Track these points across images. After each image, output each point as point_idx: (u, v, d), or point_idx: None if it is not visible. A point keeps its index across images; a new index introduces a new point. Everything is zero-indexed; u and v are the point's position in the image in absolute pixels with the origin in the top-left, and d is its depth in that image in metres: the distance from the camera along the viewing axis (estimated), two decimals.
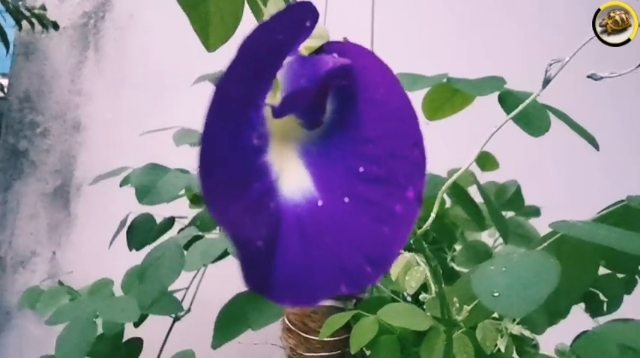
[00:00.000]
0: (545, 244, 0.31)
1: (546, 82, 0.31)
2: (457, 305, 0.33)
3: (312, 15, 0.19)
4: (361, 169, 0.19)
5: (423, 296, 0.33)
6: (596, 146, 0.42)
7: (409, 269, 0.32)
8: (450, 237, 0.83)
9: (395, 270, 0.31)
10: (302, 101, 0.20)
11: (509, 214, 0.87)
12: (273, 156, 0.19)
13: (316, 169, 0.20)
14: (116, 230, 0.79)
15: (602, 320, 0.59)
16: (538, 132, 0.39)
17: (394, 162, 0.19)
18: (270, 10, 0.22)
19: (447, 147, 0.99)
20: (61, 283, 0.78)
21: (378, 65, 0.20)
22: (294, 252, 0.18)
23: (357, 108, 0.20)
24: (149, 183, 0.70)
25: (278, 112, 0.20)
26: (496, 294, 0.27)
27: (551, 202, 0.89)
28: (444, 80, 0.48)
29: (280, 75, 0.20)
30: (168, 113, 1.12)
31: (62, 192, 1.38)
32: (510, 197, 0.79)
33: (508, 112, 0.37)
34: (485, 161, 0.89)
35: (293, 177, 0.20)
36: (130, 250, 0.77)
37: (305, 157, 0.20)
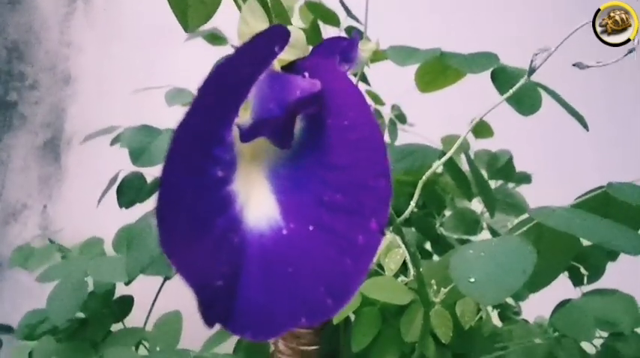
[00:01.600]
0: (525, 229, 0.32)
1: (531, 71, 0.31)
2: (435, 287, 0.34)
3: (282, 39, 0.19)
4: (326, 197, 0.19)
5: (401, 279, 0.33)
6: (585, 126, 0.42)
7: (389, 251, 0.32)
8: (439, 203, 0.83)
9: None
10: (269, 127, 0.19)
11: (499, 182, 0.87)
12: (239, 183, 0.19)
13: (283, 195, 0.20)
14: (105, 187, 0.79)
15: (587, 288, 0.61)
16: (529, 111, 0.39)
17: (359, 192, 0.18)
18: (245, 15, 0.22)
19: (438, 113, 0.98)
20: (51, 241, 0.78)
21: (350, 89, 0.19)
22: (256, 284, 0.18)
23: (325, 133, 0.19)
24: (142, 144, 0.70)
25: (245, 137, 0.19)
26: (472, 280, 0.27)
27: (543, 171, 0.90)
28: (438, 55, 0.47)
29: (251, 93, 0.19)
30: (160, 69, 1.10)
31: (52, 146, 1.37)
32: (502, 166, 0.80)
33: (500, 90, 0.37)
34: (480, 128, 0.88)
35: (259, 204, 0.19)
36: (120, 208, 0.78)
37: (273, 180, 0.20)
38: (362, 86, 0.89)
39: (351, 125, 0.19)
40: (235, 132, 0.19)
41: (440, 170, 0.83)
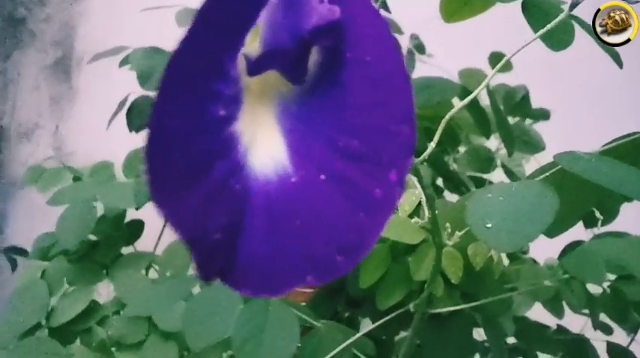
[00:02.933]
0: (548, 174, 0.30)
1: (574, 5, 0.29)
2: (449, 230, 0.33)
3: None
4: (341, 142, 0.17)
5: (415, 220, 0.32)
6: (619, 63, 0.39)
7: (404, 191, 0.31)
8: (454, 140, 0.82)
9: None
10: (280, 60, 0.17)
11: (516, 119, 0.85)
12: (244, 122, 0.17)
13: (293, 138, 0.17)
14: (114, 110, 0.78)
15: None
16: (561, 46, 0.36)
17: (378, 138, 0.16)
18: None
19: (458, 44, 0.94)
20: (63, 164, 0.78)
21: (373, 19, 0.17)
22: (259, 237, 0.16)
23: (344, 68, 0.17)
24: (150, 67, 0.68)
25: (252, 70, 0.17)
26: (488, 225, 0.26)
27: (563, 109, 0.87)
28: None
29: (261, 18, 0.17)
30: None
31: (63, 65, 1.35)
32: (518, 102, 0.77)
33: (533, 25, 0.34)
34: (498, 61, 0.85)
35: (266, 147, 0.17)
36: (130, 132, 0.77)
37: (283, 121, 0.18)
38: (382, 14, 0.85)
39: (374, 60, 0.17)
40: (241, 64, 0.17)
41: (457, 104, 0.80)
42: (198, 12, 0.15)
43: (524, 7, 0.36)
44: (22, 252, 0.81)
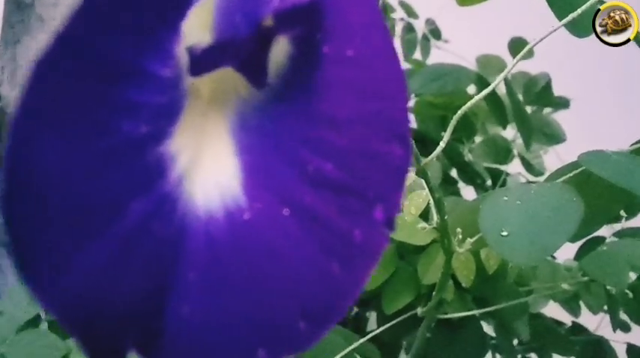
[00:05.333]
0: (571, 175, 0.27)
1: None
2: (460, 236, 0.30)
3: None
4: (312, 166, 0.12)
5: (421, 225, 0.30)
6: None
7: (411, 192, 0.29)
8: (469, 129, 0.78)
9: None
10: (234, 55, 0.13)
11: (534, 108, 0.81)
12: (183, 138, 0.12)
13: (251, 159, 0.13)
14: None
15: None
16: (587, 32, 0.33)
17: (361, 162, 0.12)
18: None
19: (475, 30, 0.90)
20: None
21: (360, 0, 0.12)
22: (193, 297, 0.12)
23: (319, 68, 0.13)
24: None
25: (195, 68, 0.12)
26: (505, 233, 0.23)
27: (585, 97, 0.83)
28: None
29: None
30: None
31: None
32: (539, 91, 0.73)
33: (557, 12, 0.31)
34: (518, 48, 0.81)
35: (213, 171, 0.13)
36: None
37: (239, 135, 0.13)
38: None
39: (359, 57, 0.12)
40: (182, 59, 0.12)
41: (472, 91, 0.77)
42: None
43: None
44: None
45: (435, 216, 0.29)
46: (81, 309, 0.11)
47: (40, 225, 0.11)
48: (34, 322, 0.56)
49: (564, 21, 0.29)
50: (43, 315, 0.58)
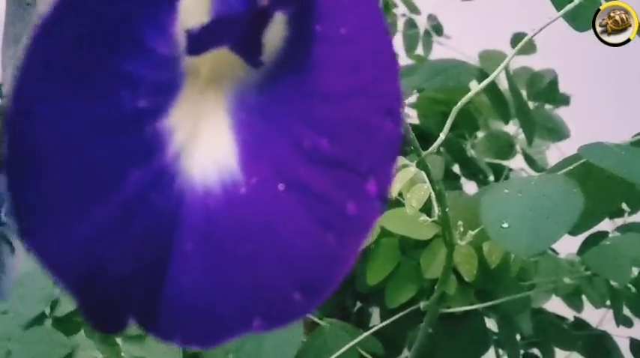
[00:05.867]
0: (572, 167, 0.27)
1: None
2: (461, 229, 0.30)
3: None
4: (307, 142, 0.13)
5: (423, 219, 0.30)
6: None
7: (413, 185, 0.29)
8: (471, 124, 0.78)
9: (396, 185, 0.28)
10: (230, 33, 0.13)
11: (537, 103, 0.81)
12: (180, 115, 0.13)
13: (247, 135, 0.13)
14: None
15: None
16: (586, 26, 0.33)
17: (354, 136, 0.13)
18: None
19: (477, 25, 0.90)
20: None
21: None
22: (191, 268, 0.12)
23: (312, 45, 0.13)
24: None
25: (192, 47, 0.13)
26: (505, 225, 0.23)
27: (585, 94, 0.83)
28: None
29: None
30: None
31: None
32: (544, 87, 0.73)
33: (556, 2, 0.31)
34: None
35: (210, 147, 0.13)
36: None
37: (236, 113, 0.14)
38: None
39: (350, 34, 0.13)
40: (181, 39, 0.13)
41: (474, 87, 0.77)
42: None
43: None
44: None
45: (436, 209, 0.29)
46: (82, 274, 0.12)
47: (41, 190, 0.11)
48: (40, 319, 0.57)
49: (562, 11, 0.29)
50: (48, 313, 0.58)
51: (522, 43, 0.30)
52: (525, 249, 0.23)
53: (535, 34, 0.30)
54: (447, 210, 0.28)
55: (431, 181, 0.27)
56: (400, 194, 0.33)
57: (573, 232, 0.32)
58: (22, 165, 0.11)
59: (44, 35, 0.10)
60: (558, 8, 0.30)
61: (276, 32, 0.14)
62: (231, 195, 0.13)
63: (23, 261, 0.70)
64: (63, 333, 0.55)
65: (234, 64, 0.14)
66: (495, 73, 0.29)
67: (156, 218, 0.12)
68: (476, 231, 0.29)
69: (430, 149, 0.26)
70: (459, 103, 0.27)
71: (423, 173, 0.27)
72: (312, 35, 0.13)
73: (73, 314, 0.58)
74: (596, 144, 0.26)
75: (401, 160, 0.29)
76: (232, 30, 0.13)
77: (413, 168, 0.27)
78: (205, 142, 0.13)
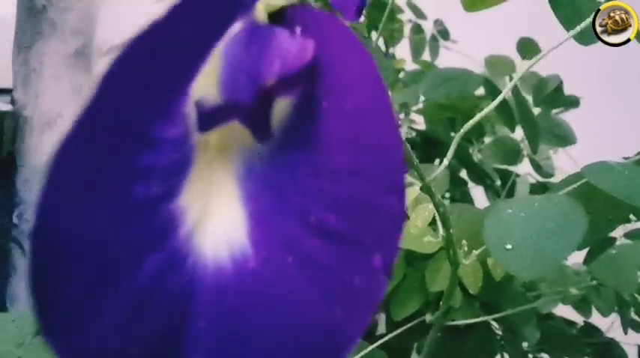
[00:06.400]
0: (576, 185, 0.28)
1: None
2: (465, 248, 0.30)
3: None
4: (315, 216, 0.13)
5: (427, 239, 0.30)
6: None
7: (418, 205, 0.29)
8: (479, 130, 0.78)
9: None
10: (237, 115, 0.13)
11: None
12: (193, 191, 0.13)
13: (256, 207, 0.14)
14: None
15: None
16: (592, 40, 0.33)
17: (360, 212, 0.13)
18: None
19: (484, 30, 0.90)
20: None
21: (358, 56, 0.13)
22: (204, 345, 0.13)
23: (319, 121, 0.13)
24: None
25: (202, 127, 0.13)
26: (509, 246, 0.24)
27: (592, 97, 0.83)
28: None
29: (220, 51, 0.13)
30: None
31: (84, 54, 1.35)
32: (550, 93, 0.73)
33: (565, 21, 0.31)
34: (527, 48, 0.81)
35: (221, 221, 0.13)
36: None
37: (245, 184, 0.14)
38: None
39: (355, 111, 0.13)
40: (191, 115, 0.13)
41: (480, 92, 0.77)
42: (117, 62, 0.11)
43: (555, 4, 0.33)
44: None
45: (440, 230, 0.29)
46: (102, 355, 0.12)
47: (64, 291, 0.11)
48: None
49: (572, 32, 0.29)
50: None
51: (534, 62, 0.30)
52: (528, 271, 0.23)
53: (543, 56, 0.30)
54: (450, 231, 0.28)
55: (435, 205, 0.27)
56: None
57: (579, 247, 0.32)
58: (45, 273, 0.11)
59: (67, 147, 0.11)
60: (568, 29, 0.30)
61: (285, 104, 0.14)
62: (241, 270, 0.13)
63: None
64: None
65: (243, 134, 0.14)
66: (500, 96, 0.29)
67: (170, 300, 0.13)
68: (480, 250, 0.30)
69: (433, 175, 0.26)
70: (466, 125, 0.27)
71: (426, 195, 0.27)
72: (319, 110, 0.13)
73: None
74: (598, 164, 0.26)
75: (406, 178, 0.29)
76: (238, 112, 0.13)
77: (417, 187, 0.27)
78: (216, 216, 0.14)
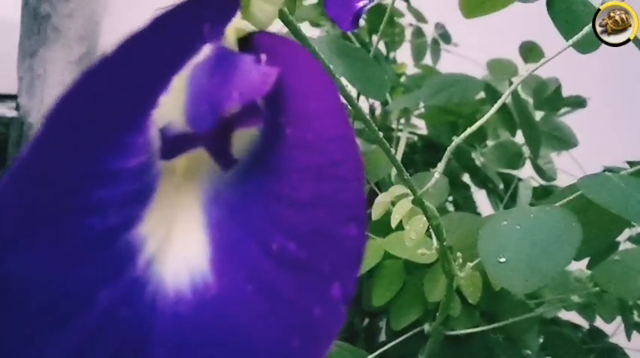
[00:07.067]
0: (572, 197, 0.27)
1: None
2: (460, 260, 0.30)
3: (218, 11, 0.13)
4: (276, 244, 0.13)
5: (421, 251, 0.30)
6: None
7: (412, 216, 0.29)
8: (480, 133, 0.78)
9: (395, 216, 0.28)
10: (197, 143, 0.13)
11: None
12: (154, 218, 0.13)
13: (220, 234, 0.13)
14: None
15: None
16: (591, 49, 0.33)
17: (320, 242, 0.13)
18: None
19: (486, 34, 0.90)
20: None
21: (320, 84, 0.13)
22: None
23: (281, 148, 0.13)
24: None
25: (164, 155, 0.13)
26: (503, 260, 0.23)
27: (595, 99, 0.82)
28: None
29: (187, 75, 0.13)
30: None
31: (88, 60, 1.36)
32: (549, 95, 0.73)
33: (563, 29, 0.31)
34: (530, 51, 0.81)
35: (183, 247, 0.13)
36: None
37: (211, 209, 0.14)
38: (402, 3, 0.81)
39: (317, 141, 0.13)
40: (154, 142, 0.13)
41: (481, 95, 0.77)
42: (68, 95, 0.11)
43: (550, 7, 0.33)
44: None
45: (435, 243, 0.29)
46: None
47: (16, 324, 0.11)
48: None
49: (570, 41, 0.29)
50: None
51: (537, 67, 0.29)
52: (522, 286, 0.23)
53: (549, 60, 0.30)
54: (444, 243, 0.28)
55: (428, 218, 0.27)
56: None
57: (576, 258, 0.32)
58: None
59: (11, 187, 0.11)
60: (567, 37, 0.30)
61: (252, 131, 0.14)
62: (201, 298, 0.13)
63: None
64: None
65: (208, 159, 0.14)
66: (499, 102, 0.29)
67: (126, 331, 0.12)
68: (475, 262, 0.29)
69: (425, 188, 0.26)
70: (466, 132, 0.27)
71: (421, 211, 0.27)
72: (283, 138, 0.13)
73: None
74: (595, 176, 0.26)
75: (400, 189, 0.29)
76: (198, 142, 0.13)
77: (411, 199, 0.27)
78: (178, 243, 0.13)
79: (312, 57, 0.13)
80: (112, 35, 1.30)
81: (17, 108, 1.31)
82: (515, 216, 0.26)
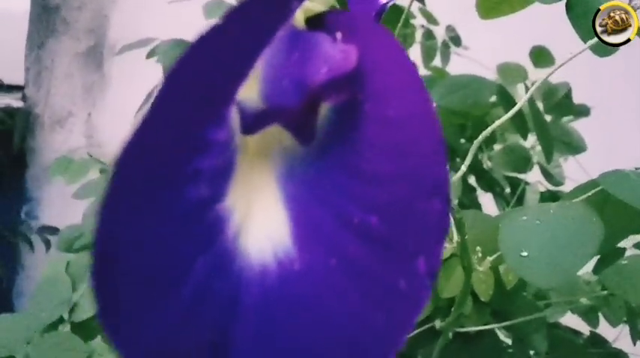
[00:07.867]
0: (591, 193, 0.27)
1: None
2: (480, 254, 0.30)
3: None
4: (357, 218, 0.13)
5: None
6: None
7: None
8: (488, 137, 0.78)
9: None
10: (282, 119, 0.13)
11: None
12: (236, 194, 0.13)
13: (298, 209, 0.13)
14: (141, 103, 0.78)
15: None
16: (608, 52, 0.33)
17: (403, 216, 0.13)
18: None
19: (496, 37, 0.90)
20: (90, 155, 0.78)
21: (400, 62, 0.13)
22: (250, 350, 0.12)
23: (361, 125, 0.13)
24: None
25: (248, 128, 0.13)
26: (524, 254, 0.24)
27: (602, 104, 0.83)
28: None
29: (260, 59, 0.13)
30: None
31: (95, 53, 1.36)
32: (559, 100, 0.73)
33: (581, 32, 0.31)
34: (540, 56, 0.81)
35: (264, 222, 0.13)
36: None
37: (285, 185, 0.14)
38: (415, 4, 0.81)
39: (398, 117, 0.13)
40: (234, 118, 0.13)
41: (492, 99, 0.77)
42: (169, 78, 0.11)
43: (570, 9, 0.33)
44: (53, 229, 0.83)
45: (455, 236, 0.29)
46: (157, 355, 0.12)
47: (122, 288, 0.12)
48: (58, 324, 0.58)
49: (588, 43, 0.29)
50: (66, 318, 0.59)
51: (551, 72, 0.30)
52: (545, 280, 0.23)
53: (556, 69, 0.30)
54: (465, 237, 0.28)
55: (451, 210, 0.27)
56: None
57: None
58: (106, 265, 0.11)
59: (124, 160, 0.11)
60: (585, 40, 0.30)
61: (325, 107, 0.14)
62: (285, 272, 0.13)
63: (44, 265, 0.72)
64: (80, 338, 0.56)
65: (282, 136, 0.14)
66: (515, 108, 0.29)
67: (219, 302, 0.13)
68: (494, 256, 0.29)
69: (459, 172, 0.26)
70: (481, 135, 0.27)
71: None
72: (361, 114, 0.13)
73: (91, 319, 0.59)
74: (614, 172, 0.26)
75: None
76: (284, 117, 0.13)
77: None
78: (259, 218, 0.14)
79: (390, 34, 0.13)
80: (120, 28, 1.31)
81: (23, 98, 1.32)
82: (534, 211, 0.26)
